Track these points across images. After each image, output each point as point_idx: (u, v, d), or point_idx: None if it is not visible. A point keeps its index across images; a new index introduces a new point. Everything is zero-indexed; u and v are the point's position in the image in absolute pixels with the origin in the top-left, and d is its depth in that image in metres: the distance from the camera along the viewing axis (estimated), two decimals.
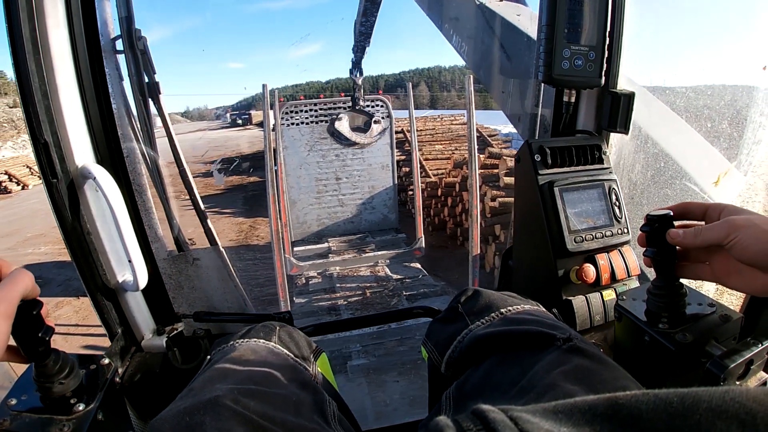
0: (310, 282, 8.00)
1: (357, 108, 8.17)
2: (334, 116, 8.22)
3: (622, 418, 0.45)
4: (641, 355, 1.03)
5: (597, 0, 1.37)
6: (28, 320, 0.83)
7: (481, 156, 9.79)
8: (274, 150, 7.24)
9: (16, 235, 13.41)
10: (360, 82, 7.72)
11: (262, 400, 0.84)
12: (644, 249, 0.96)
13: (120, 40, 1.58)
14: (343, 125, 8.11)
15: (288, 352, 1.10)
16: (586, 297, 1.31)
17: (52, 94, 1.18)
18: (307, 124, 9.26)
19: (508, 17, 1.84)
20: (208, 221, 1.95)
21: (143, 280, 1.36)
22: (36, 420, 0.94)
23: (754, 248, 0.78)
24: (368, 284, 7.68)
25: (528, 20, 1.82)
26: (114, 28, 1.56)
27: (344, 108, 8.90)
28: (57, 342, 0.92)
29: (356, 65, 7.15)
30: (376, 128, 8.23)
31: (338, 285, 7.69)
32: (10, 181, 20.07)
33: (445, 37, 2.56)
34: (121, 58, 1.59)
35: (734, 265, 0.85)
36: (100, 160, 1.35)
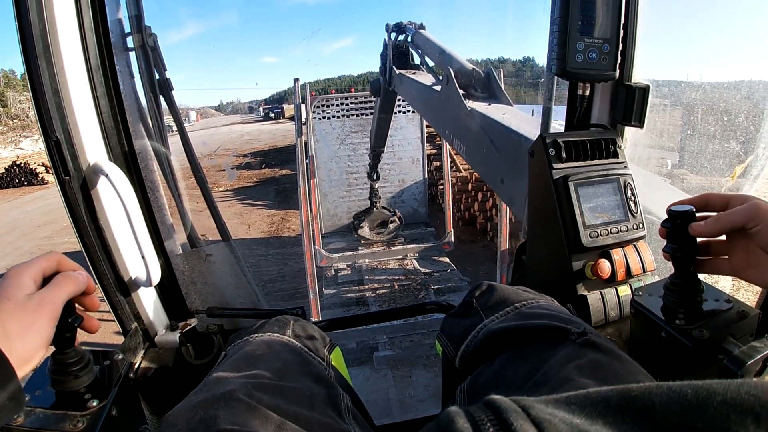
0: (340, 274, 8.17)
1: (375, 210, 8.49)
2: (358, 221, 8.58)
3: (635, 410, 0.44)
4: (657, 351, 1.01)
5: None
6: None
7: None
8: (306, 143, 7.34)
9: (53, 225, 13.80)
10: (376, 186, 7.99)
11: (275, 394, 0.84)
12: (665, 244, 0.95)
13: (130, 37, 1.58)
14: (365, 231, 8.49)
15: (302, 346, 1.10)
16: (601, 293, 1.30)
17: (63, 92, 1.18)
18: (338, 118, 9.44)
19: (495, 116, 2.03)
20: (221, 217, 1.96)
21: (156, 276, 1.36)
22: (50, 415, 0.95)
23: None
24: (397, 277, 7.81)
25: (511, 117, 2.01)
26: (124, 24, 1.57)
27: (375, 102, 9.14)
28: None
29: (373, 169, 7.33)
30: (392, 226, 8.62)
31: (367, 277, 7.83)
32: (47, 172, 20.56)
33: (446, 140, 2.91)
34: (132, 56, 1.60)
35: (753, 258, 0.84)
36: (112, 158, 1.36)
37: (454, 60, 2.88)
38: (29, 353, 0.75)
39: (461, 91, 2.44)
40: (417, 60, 4.17)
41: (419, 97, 3.53)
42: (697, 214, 0.92)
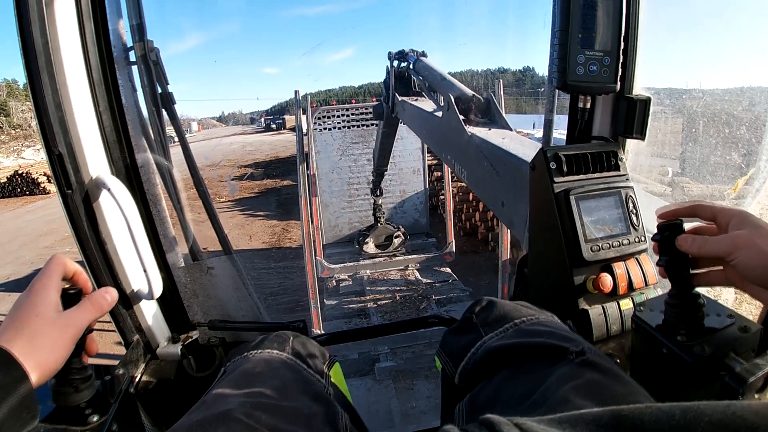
0: (341, 285, 8.14)
1: (379, 226, 8.54)
2: (362, 237, 8.67)
3: (625, 429, 0.45)
4: (658, 367, 1.01)
5: (611, 4, 1.35)
6: None
7: None
8: (307, 154, 7.38)
9: (54, 234, 13.83)
10: (380, 202, 8.06)
11: (273, 414, 0.84)
12: (658, 258, 0.95)
13: (132, 51, 1.59)
14: (370, 247, 8.53)
15: (301, 363, 1.09)
16: (602, 306, 1.29)
17: (65, 106, 1.19)
18: (339, 129, 9.48)
19: (495, 141, 2.08)
20: (223, 229, 1.96)
21: (158, 289, 1.37)
22: (50, 430, 0.95)
23: (753, 272, 0.78)
24: (398, 288, 7.79)
25: (511, 141, 2.07)
26: (126, 39, 1.57)
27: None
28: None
29: (376, 186, 7.42)
30: (396, 242, 8.63)
31: (368, 288, 7.80)
32: (49, 182, 20.72)
33: (448, 165, 3.13)
34: (134, 69, 1.60)
35: None
36: (115, 171, 1.37)
37: (455, 86, 2.96)
38: (51, 368, 0.79)
39: (461, 117, 2.49)
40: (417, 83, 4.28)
41: (421, 123, 3.61)
42: (690, 226, 0.92)
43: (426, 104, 3.65)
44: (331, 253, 9.02)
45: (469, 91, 2.72)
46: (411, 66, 4.04)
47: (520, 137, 2.18)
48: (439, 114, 2.96)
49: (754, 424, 0.40)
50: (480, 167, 2.18)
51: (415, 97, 4.10)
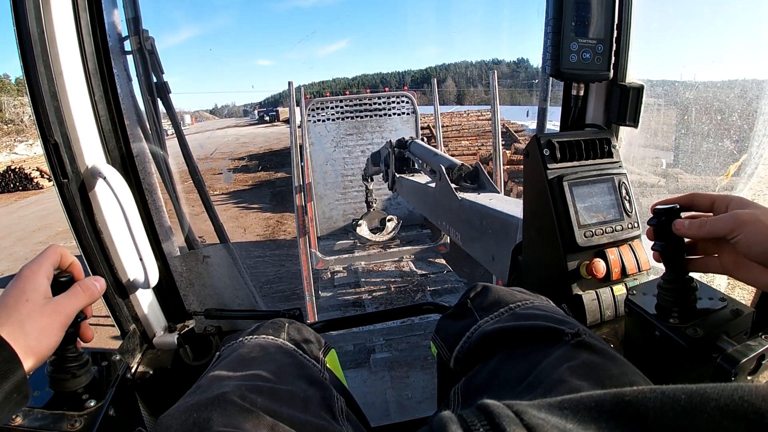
0: (336, 276, 8.14)
1: (372, 211, 8.50)
2: (355, 222, 8.60)
3: (628, 415, 0.44)
4: (652, 350, 1.02)
5: None
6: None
7: (507, 152, 9.75)
8: (301, 146, 7.35)
9: (48, 230, 13.72)
10: (371, 187, 8.06)
11: (269, 396, 0.84)
12: (653, 243, 0.96)
13: (127, 40, 1.58)
14: (363, 230, 8.43)
15: (296, 349, 1.09)
16: (596, 292, 1.30)
17: (61, 95, 1.19)
18: (333, 120, 9.42)
19: (483, 203, 2.37)
20: (219, 218, 1.96)
21: (154, 278, 1.37)
22: (48, 416, 0.95)
23: (757, 247, 0.78)
24: (393, 279, 7.81)
25: (498, 201, 2.37)
26: (121, 28, 1.56)
27: (369, 104, 9.43)
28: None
29: (368, 173, 7.34)
30: (390, 225, 8.54)
31: (363, 279, 7.84)
32: (42, 177, 20.53)
33: (442, 230, 3.51)
34: (129, 59, 1.59)
35: (742, 258, 0.84)
36: (110, 160, 1.37)
37: (446, 159, 3.38)
38: (42, 354, 0.79)
39: (453, 185, 2.83)
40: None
41: (417, 195, 4.03)
42: (684, 214, 0.93)
43: (422, 178, 4.09)
44: (326, 245, 9.02)
45: (458, 161, 3.13)
46: (408, 148, 4.60)
47: (507, 198, 2.50)
48: (433, 185, 3.36)
49: (761, 409, 0.39)
50: (471, 228, 2.43)
51: (411, 174, 4.61)
